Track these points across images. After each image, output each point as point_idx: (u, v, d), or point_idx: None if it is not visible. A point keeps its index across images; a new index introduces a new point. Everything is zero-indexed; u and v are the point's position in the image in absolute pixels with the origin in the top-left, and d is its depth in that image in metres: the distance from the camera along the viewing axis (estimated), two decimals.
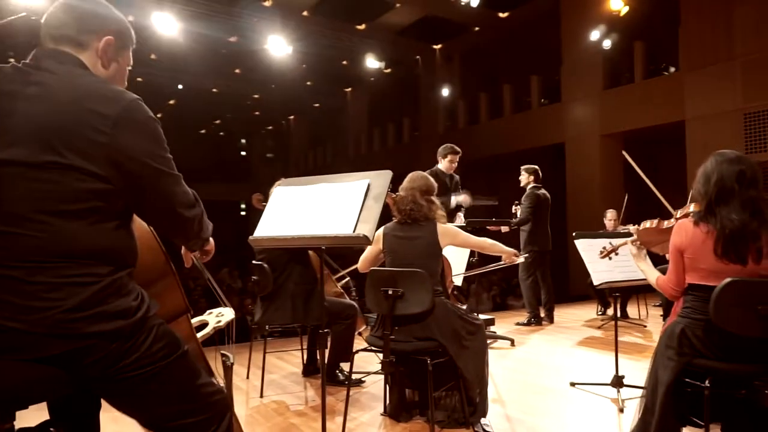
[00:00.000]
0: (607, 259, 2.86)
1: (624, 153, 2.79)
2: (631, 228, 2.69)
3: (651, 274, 2.43)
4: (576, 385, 3.54)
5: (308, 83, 18.32)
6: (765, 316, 1.95)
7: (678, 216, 2.44)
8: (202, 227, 1.44)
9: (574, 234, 3.30)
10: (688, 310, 2.20)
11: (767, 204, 2.09)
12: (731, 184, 2.09)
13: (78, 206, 1.19)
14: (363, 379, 3.66)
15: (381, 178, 2.14)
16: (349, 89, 19.92)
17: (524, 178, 5.86)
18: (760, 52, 8.59)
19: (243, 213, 24.68)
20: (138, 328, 1.24)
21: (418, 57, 16.11)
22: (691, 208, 2.32)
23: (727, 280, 2.01)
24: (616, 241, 2.83)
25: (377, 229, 2.91)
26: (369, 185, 2.11)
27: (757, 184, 2.10)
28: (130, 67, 1.47)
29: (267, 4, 12.34)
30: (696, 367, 2.12)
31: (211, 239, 1.54)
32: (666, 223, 2.45)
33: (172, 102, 20.00)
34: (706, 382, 2.07)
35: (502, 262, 3.21)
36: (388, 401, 3.03)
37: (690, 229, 2.15)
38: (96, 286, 1.19)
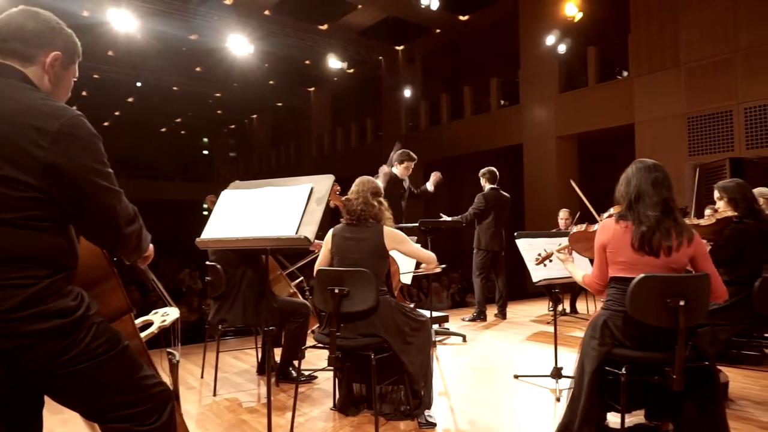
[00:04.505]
0: (542, 265, 3.07)
1: (572, 182, 3.03)
2: (575, 228, 2.90)
3: (577, 274, 2.66)
4: (519, 378, 3.72)
5: (271, 82, 18.26)
6: (673, 308, 2.14)
7: (603, 218, 2.67)
8: (140, 242, 1.49)
9: (515, 234, 3.48)
10: (609, 302, 2.40)
11: (677, 205, 2.37)
12: (647, 187, 2.34)
13: (15, 215, 1.25)
14: (315, 375, 3.75)
15: (323, 182, 2.25)
16: (312, 89, 19.92)
17: (482, 182, 6.09)
18: (701, 60, 9.06)
19: (205, 213, 24.38)
20: (77, 326, 1.31)
21: (380, 58, 16.26)
22: (613, 210, 2.55)
23: (641, 276, 2.20)
24: (549, 248, 3.03)
25: (327, 231, 3.03)
26: (312, 189, 2.22)
27: (670, 188, 2.36)
28: (75, 79, 1.52)
29: (227, 2, 12.26)
30: (616, 356, 2.31)
31: (151, 246, 1.60)
32: (593, 228, 2.68)
33: (130, 100, 19.58)
34: (623, 369, 2.25)
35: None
36: (337, 396, 3.14)
37: (612, 226, 2.38)
38: (34, 287, 1.26)
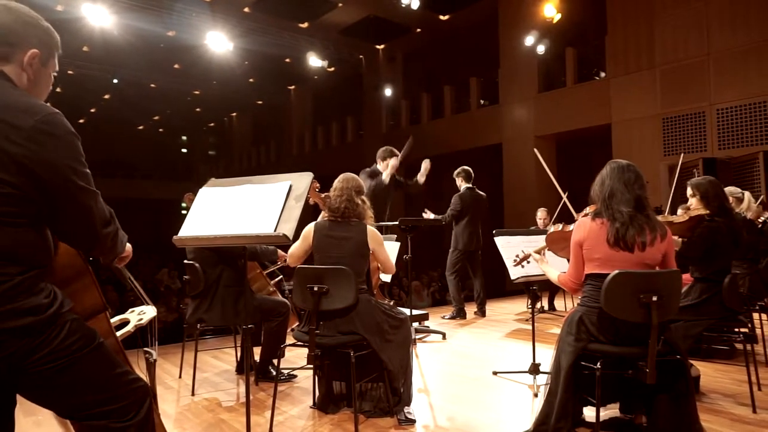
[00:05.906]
0: (520, 267, 3.12)
1: (535, 151, 3.09)
2: (551, 228, 2.95)
3: (553, 274, 2.72)
4: (498, 374, 3.76)
5: (251, 80, 18.10)
6: (645, 304, 2.19)
7: (579, 217, 2.71)
8: (116, 243, 1.48)
9: (494, 232, 3.52)
10: (585, 299, 2.45)
11: (650, 203, 2.44)
12: (621, 186, 2.41)
13: None
14: (295, 373, 3.74)
15: (302, 180, 2.24)
16: (293, 87, 19.81)
17: (457, 182, 6.11)
18: (675, 62, 9.26)
19: (184, 212, 24.06)
20: (50, 324, 1.30)
21: (361, 56, 16.23)
22: (588, 209, 2.61)
23: (615, 272, 2.24)
24: (526, 250, 3.08)
25: (305, 226, 3.01)
26: (291, 186, 2.22)
27: (643, 187, 2.43)
28: (56, 73, 1.49)
29: None
30: (591, 351, 2.35)
31: (129, 246, 1.59)
32: (569, 227, 2.74)
33: (107, 97, 19.22)
34: (598, 364, 2.29)
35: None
36: (317, 394, 3.14)
37: (588, 223, 2.43)
38: (6, 284, 1.24)
